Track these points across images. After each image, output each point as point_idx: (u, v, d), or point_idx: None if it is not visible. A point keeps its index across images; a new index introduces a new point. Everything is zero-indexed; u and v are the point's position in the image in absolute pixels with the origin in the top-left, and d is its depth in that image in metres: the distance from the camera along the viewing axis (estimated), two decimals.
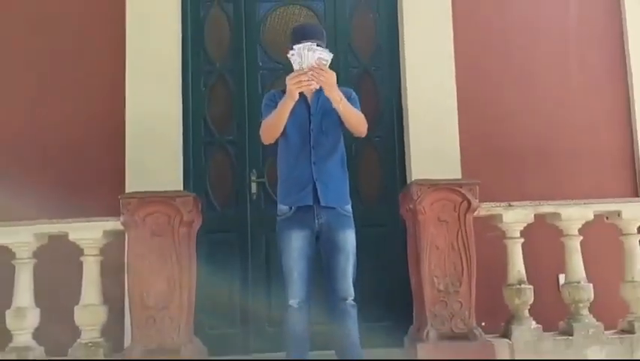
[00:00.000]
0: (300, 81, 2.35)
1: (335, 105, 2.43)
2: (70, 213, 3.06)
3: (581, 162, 3.65)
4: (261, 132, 2.56)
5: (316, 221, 2.46)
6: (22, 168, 3.36)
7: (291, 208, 2.49)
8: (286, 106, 2.42)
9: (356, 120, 2.52)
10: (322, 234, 2.48)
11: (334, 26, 3.71)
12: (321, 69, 2.34)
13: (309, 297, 2.47)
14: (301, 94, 2.51)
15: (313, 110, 2.53)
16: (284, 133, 2.53)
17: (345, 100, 2.46)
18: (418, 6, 3.66)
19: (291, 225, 2.47)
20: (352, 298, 2.44)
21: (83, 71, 3.55)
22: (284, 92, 2.49)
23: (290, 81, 2.37)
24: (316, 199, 2.46)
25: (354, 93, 2.63)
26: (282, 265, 2.48)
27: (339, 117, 2.52)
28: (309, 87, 2.38)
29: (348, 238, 2.48)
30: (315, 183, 2.47)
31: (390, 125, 3.66)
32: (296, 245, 2.45)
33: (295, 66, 2.37)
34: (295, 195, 2.48)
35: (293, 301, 2.43)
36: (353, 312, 2.42)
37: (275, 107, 2.49)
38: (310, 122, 2.51)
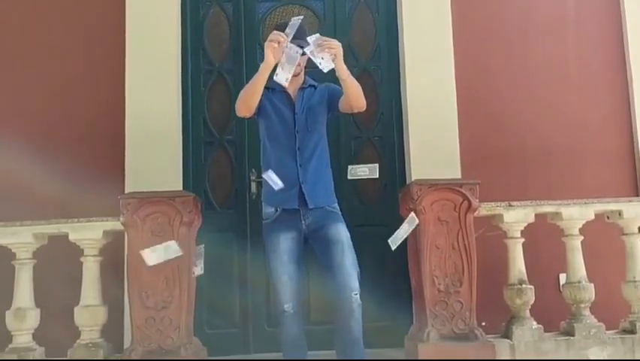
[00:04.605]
0: (272, 41, 2.26)
1: (343, 77, 2.36)
2: (70, 213, 3.06)
3: (581, 161, 3.65)
4: (236, 104, 2.45)
5: (303, 222, 2.41)
6: (22, 168, 3.35)
7: (276, 210, 2.44)
8: (262, 73, 2.32)
9: (358, 91, 2.43)
10: (311, 233, 2.42)
11: (334, 26, 3.71)
12: (328, 40, 2.30)
13: (302, 301, 2.43)
14: (286, 92, 2.48)
15: (297, 109, 2.48)
16: (269, 134, 2.48)
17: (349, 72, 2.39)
18: (418, 6, 3.66)
19: (279, 227, 2.42)
20: (356, 292, 2.30)
21: (82, 70, 3.55)
22: (267, 89, 2.45)
23: (266, 43, 2.29)
24: (302, 201, 2.41)
25: (329, 84, 2.59)
26: (271, 269, 2.41)
27: (323, 113, 2.50)
28: (276, 47, 2.26)
29: (341, 230, 2.41)
30: (301, 185, 2.41)
31: (389, 124, 3.65)
32: (285, 248, 2.38)
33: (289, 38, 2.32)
34: (281, 196, 2.41)
35: (288, 306, 2.35)
36: (358, 311, 2.30)
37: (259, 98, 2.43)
38: (295, 124, 2.46)
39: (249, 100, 2.40)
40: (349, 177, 2.56)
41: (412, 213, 2.68)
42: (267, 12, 3.73)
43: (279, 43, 2.27)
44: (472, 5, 3.72)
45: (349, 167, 2.53)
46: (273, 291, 2.43)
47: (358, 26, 3.74)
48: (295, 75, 2.47)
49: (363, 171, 2.55)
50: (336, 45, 2.32)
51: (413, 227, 2.59)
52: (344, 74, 2.37)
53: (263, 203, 2.51)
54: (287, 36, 2.28)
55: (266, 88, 2.45)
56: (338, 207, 2.51)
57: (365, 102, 2.50)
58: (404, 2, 3.65)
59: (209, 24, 3.71)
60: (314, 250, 2.46)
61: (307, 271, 2.49)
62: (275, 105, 2.48)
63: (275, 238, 2.41)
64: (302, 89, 2.51)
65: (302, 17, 2.33)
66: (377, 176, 2.58)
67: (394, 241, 2.54)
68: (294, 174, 2.42)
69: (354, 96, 2.43)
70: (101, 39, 3.56)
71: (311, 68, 2.50)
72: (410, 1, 3.65)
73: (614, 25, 3.80)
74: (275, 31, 2.32)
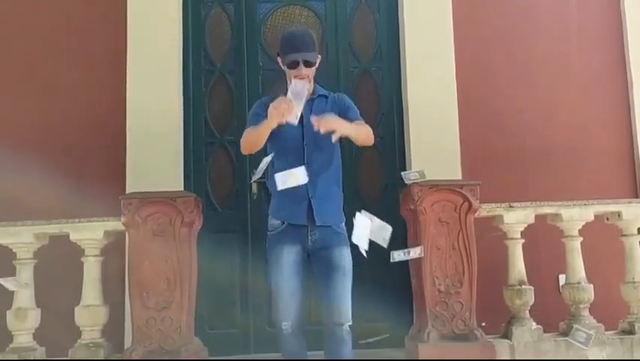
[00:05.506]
0: (277, 109, 2.20)
1: (346, 134, 2.30)
2: (71, 213, 3.06)
3: (581, 162, 3.66)
4: (241, 142, 2.42)
5: (309, 238, 2.34)
6: (24, 169, 3.35)
7: (282, 223, 2.37)
8: (266, 128, 2.28)
9: (364, 136, 2.39)
10: (315, 251, 2.35)
11: (335, 27, 3.73)
12: (321, 119, 2.22)
13: (302, 318, 2.35)
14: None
15: (306, 122, 2.36)
16: (276, 147, 2.40)
17: (353, 125, 2.33)
18: (419, 6, 3.67)
19: (284, 239, 2.35)
20: (349, 323, 2.27)
21: (84, 71, 3.55)
22: (275, 99, 2.41)
23: (271, 107, 2.23)
24: (310, 217, 2.34)
25: (347, 99, 2.50)
26: (272, 282, 2.34)
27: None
28: (282, 119, 2.21)
29: (345, 255, 2.33)
30: (310, 200, 2.34)
31: (390, 125, 3.66)
32: (288, 261, 2.32)
33: (288, 94, 2.27)
34: (289, 210, 2.35)
35: (286, 325, 2.29)
36: (348, 340, 2.27)
37: (265, 117, 2.34)
38: (304, 137, 2.37)
39: (253, 145, 2.39)
40: (393, 260, 2.49)
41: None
42: (268, 13, 3.74)
43: (283, 111, 2.20)
44: (472, 5, 3.73)
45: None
46: (273, 305, 2.36)
47: (359, 27, 3.75)
48: None
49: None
50: (331, 123, 2.23)
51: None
52: (347, 132, 2.29)
53: (269, 215, 2.43)
54: (291, 100, 2.22)
55: (272, 98, 2.41)
56: (345, 228, 2.41)
57: (372, 139, 2.44)
58: (405, 2, 3.66)
59: (211, 24, 3.72)
60: (313, 268, 2.38)
61: (310, 274, 2.41)
62: None
63: (279, 250, 2.34)
64: (311, 99, 2.42)
65: (307, 85, 2.26)
66: (422, 255, 2.66)
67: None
68: (303, 188, 2.32)
69: (361, 140, 2.41)
70: (102, 39, 3.56)
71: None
72: (411, 2, 3.66)
73: (614, 25, 3.82)
74: (280, 99, 2.24)
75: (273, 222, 2.41)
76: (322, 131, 2.22)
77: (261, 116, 2.39)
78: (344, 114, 2.41)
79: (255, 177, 2.34)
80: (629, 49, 3.79)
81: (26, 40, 3.59)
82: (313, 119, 2.25)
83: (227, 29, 3.72)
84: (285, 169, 2.35)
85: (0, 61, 3.57)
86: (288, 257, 2.32)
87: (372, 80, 3.72)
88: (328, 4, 3.75)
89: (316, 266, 2.37)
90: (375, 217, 2.33)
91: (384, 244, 2.33)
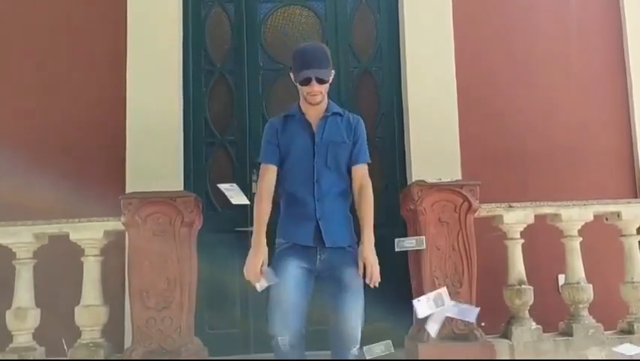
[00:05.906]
0: (247, 273, 2.25)
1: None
2: (71, 213, 3.06)
3: (581, 162, 3.67)
4: (257, 186, 2.35)
5: (318, 257, 2.26)
6: (24, 169, 3.35)
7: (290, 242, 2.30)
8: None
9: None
10: (324, 272, 2.26)
11: (335, 27, 3.73)
12: (372, 274, 2.21)
13: (301, 335, 2.21)
14: (307, 120, 2.36)
15: (318, 141, 2.31)
16: (286, 164, 2.34)
17: (370, 227, 2.27)
18: (419, 6, 3.67)
19: (293, 254, 2.26)
20: (358, 346, 2.22)
21: (83, 71, 3.55)
22: (286, 117, 2.37)
23: (248, 270, 2.26)
24: (318, 238, 2.26)
25: (362, 130, 2.40)
26: (271, 296, 2.23)
27: (346, 151, 2.34)
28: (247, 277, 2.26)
29: (356, 275, 2.24)
30: (318, 222, 2.26)
31: (390, 125, 3.67)
32: (292, 273, 2.21)
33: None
34: (295, 230, 2.28)
35: (282, 340, 2.16)
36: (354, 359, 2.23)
37: (277, 145, 2.33)
38: (314, 155, 2.30)
39: None
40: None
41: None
42: (268, 13, 3.74)
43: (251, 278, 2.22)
44: (472, 5, 3.73)
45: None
46: (270, 316, 2.22)
47: (359, 27, 3.75)
48: (316, 104, 2.33)
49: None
50: (376, 267, 2.23)
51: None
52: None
53: (277, 234, 2.36)
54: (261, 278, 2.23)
55: (284, 116, 2.38)
56: (357, 248, 2.30)
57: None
58: (405, 2, 3.66)
59: (211, 24, 3.72)
60: (322, 289, 2.29)
61: (314, 294, 2.33)
62: (293, 135, 2.33)
63: (284, 263, 2.24)
64: (325, 117, 2.34)
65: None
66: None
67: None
68: (312, 208, 2.27)
69: None
70: (102, 39, 3.57)
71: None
72: (411, 2, 3.67)
73: (614, 25, 3.83)
74: (255, 270, 2.24)
75: (280, 240, 2.33)
76: (378, 281, 2.23)
77: (273, 144, 2.35)
78: (353, 144, 2.36)
79: (224, 188, 2.30)
80: (629, 49, 3.80)
81: (26, 40, 3.59)
82: (369, 280, 2.21)
83: (227, 29, 3.72)
84: (294, 185, 2.32)
85: (0, 61, 3.58)
86: (293, 271, 2.23)
87: (372, 80, 3.73)
88: (328, 4, 3.75)
89: (326, 287, 2.28)
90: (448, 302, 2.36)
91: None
